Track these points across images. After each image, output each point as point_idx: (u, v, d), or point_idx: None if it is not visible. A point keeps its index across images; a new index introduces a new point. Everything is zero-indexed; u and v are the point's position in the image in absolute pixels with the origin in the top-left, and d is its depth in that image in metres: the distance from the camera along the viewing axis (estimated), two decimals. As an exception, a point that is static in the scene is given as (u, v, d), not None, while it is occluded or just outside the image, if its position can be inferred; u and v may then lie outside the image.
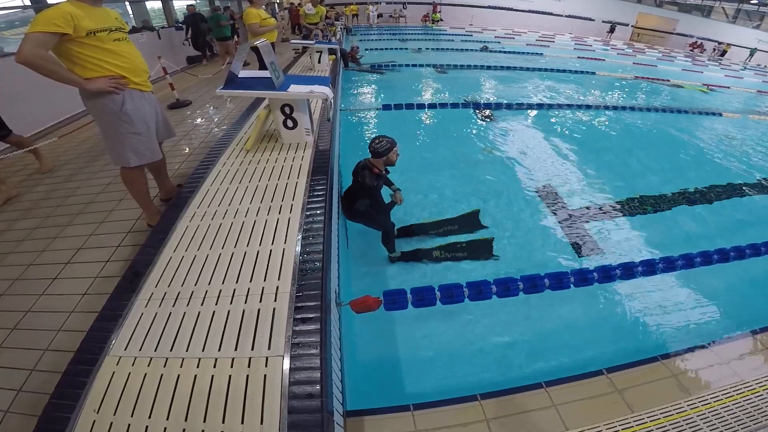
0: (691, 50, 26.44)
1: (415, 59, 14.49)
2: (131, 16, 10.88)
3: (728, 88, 13.90)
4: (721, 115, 9.73)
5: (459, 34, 23.39)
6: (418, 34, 22.64)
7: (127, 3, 10.90)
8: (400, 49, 16.95)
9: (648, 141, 7.78)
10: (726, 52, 25.23)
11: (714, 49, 25.80)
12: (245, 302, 2.07)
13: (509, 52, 17.48)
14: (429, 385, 2.85)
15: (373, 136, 3.47)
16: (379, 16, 28.64)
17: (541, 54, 17.72)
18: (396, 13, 29.15)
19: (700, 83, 13.90)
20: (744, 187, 5.88)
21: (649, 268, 3.47)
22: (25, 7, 7.66)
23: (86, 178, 4.15)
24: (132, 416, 1.59)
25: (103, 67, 2.56)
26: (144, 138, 2.85)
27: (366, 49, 15.04)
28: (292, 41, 9.86)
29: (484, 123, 8.14)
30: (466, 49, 17.72)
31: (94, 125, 5.30)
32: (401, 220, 4.50)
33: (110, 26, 2.58)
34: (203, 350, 1.83)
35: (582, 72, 13.67)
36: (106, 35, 2.54)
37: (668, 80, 13.80)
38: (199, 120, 5.86)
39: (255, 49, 3.62)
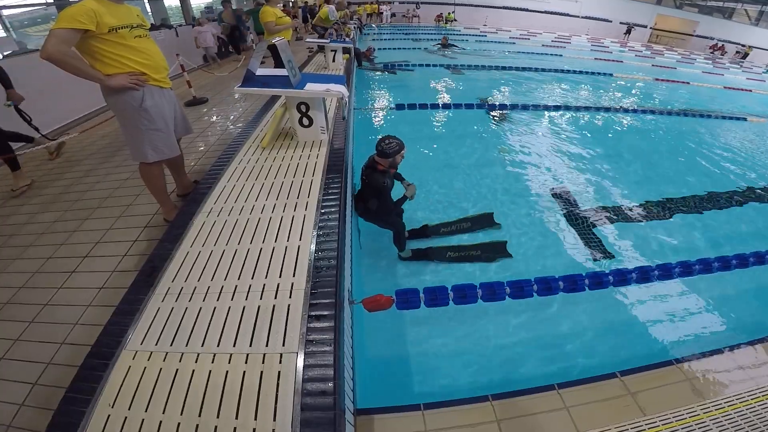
0: (711, 52, 25.94)
1: (428, 59, 14.45)
2: (150, 13, 11.01)
3: (750, 91, 13.59)
4: (745, 119, 9.51)
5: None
6: (432, 33, 22.52)
7: (145, 0, 11.03)
8: (414, 48, 16.89)
9: (667, 144, 7.65)
10: (748, 54, 24.70)
11: (736, 52, 25.28)
12: (260, 298, 2.09)
13: (524, 53, 17.36)
14: (440, 385, 2.84)
15: (386, 135, 3.46)
16: (393, 15, 28.65)
17: (557, 55, 17.53)
18: (409, 12, 29.13)
19: None
20: (766, 192, 5.76)
21: (666, 272, 3.42)
22: (48, 4, 7.81)
23: (105, 173, 4.22)
24: (146, 411, 1.61)
25: (124, 64, 2.60)
26: (163, 134, 2.89)
27: (379, 49, 15.03)
28: (308, 40, 9.91)
29: (498, 124, 8.09)
30: (482, 50, 17.61)
31: (114, 121, 5.38)
32: (413, 221, 4.49)
33: (132, 23, 2.61)
34: (218, 345, 1.85)
35: (599, 73, 13.47)
36: (128, 32, 2.57)
37: (688, 82, 13.55)
38: (215, 117, 5.91)
39: (272, 48, 3.64)
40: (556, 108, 9.25)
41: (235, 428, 1.52)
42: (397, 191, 3.67)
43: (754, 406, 2.42)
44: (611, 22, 28.52)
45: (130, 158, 3.00)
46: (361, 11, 26.32)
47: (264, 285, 2.18)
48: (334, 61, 8.43)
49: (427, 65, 13.26)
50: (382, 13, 27.91)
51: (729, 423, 2.32)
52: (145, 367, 1.78)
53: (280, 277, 2.23)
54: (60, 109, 5.93)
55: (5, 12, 7.73)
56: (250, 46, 12.04)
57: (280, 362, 1.75)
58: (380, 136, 3.43)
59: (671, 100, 11.38)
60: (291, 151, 3.86)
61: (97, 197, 3.73)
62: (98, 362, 1.83)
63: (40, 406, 1.92)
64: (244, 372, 1.72)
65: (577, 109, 9.35)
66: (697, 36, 27.43)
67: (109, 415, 1.60)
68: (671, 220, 4.90)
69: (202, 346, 1.85)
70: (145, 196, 3.48)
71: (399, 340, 3.19)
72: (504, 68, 13.50)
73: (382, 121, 8.16)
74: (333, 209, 2.84)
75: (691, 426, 2.29)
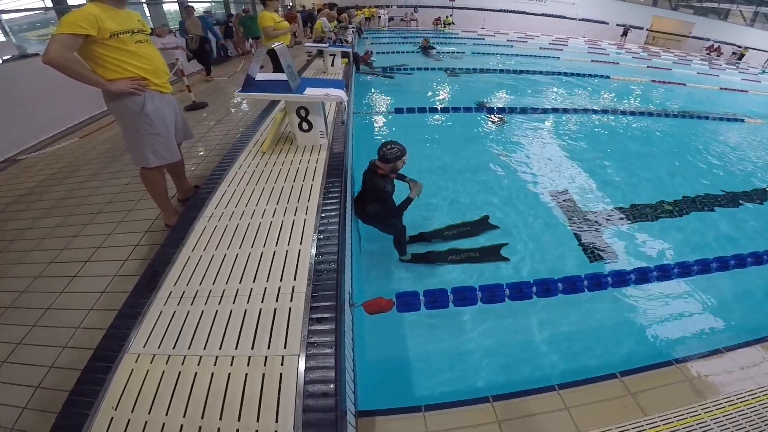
0: (707, 54, 26.05)
1: (426, 63, 14.49)
2: (149, 18, 11.04)
3: (746, 92, 13.65)
4: (743, 120, 9.55)
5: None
6: (430, 37, 22.52)
7: (144, 5, 11.07)
8: (412, 52, 16.91)
9: (665, 146, 7.68)
10: (744, 55, 24.81)
11: (732, 53, 25.38)
12: (262, 302, 2.10)
13: (522, 55, 17.42)
14: (441, 387, 2.85)
15: (385, 139, 3.49)
16: (391, 19, 28.70)
17: (555, 57, 17.61)
18: (407, 16, 29.21)
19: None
20: (763, 193, 5.79)
21: (665, 273, 3.44)
22: (47, 8, 7.85)
23: (107, 178, 4.23)
24: (149, 413, 1.62)
25: (125, 69, 2.62)
26: (163, 139, 2.90)
27: (377, 53, 15.07)
28: (306, 44, 9.94)
29: (496, 127, 8.12)
30: (480, 53, 17.65)
31: (115, 125, 5.42)
32: (413, 224, 4.50)
33: (132, 28, 2.63)
34: (220, 348, 1.86)
35: (596, 76, 13.53)
36: (129, 37, 2.59)
37: (684, 84, 13.60)
38: (215, 122, 5.93)
39: (271, 52, 3.67)
40: (554, 111, 9.28)
41: (237, 430, 1.53)
42: (399, 195, 3.69)
43: (755, 406, 2.44)
44: (608, 24, 28.66)
45: (131, 163, 3.02)
46: (359, 14, 26.35)
47: (265, 288, 2.19)
48: (333, 65, 8.45)
49: (426, 69, 13.31)
50: (380, 17, 27.96)
51: (730, 422, 2.33)
52: (147, 370, 1.79)
53: (281, 280, 2.25)
54: (61, 114, 5.95)
55: (4, 16, 7.75)
56: (250, 51, 12.12)
57: (282, 364, 1.76)
58: (383, 141, 3.45)
59: (668, 102, 11.44)
60: (291, 155, 3.87)
61: (98, 202, 3.75)
62: (101, 365, 1.83)
63: (42, 409, 1.94)
64: (246, 374, 1.73)
65: (575, 111, 9.40)
66: (693, 37, 27.58)
67: (112, 418, 1.61)
68: (670, 220, 4.93)
69: (205, 349, 1.86)
70: (146, 201, 3.49)
71: (399, 342, 3.20)
72: (502, 71, 13.57)
73: (381, 125, 8.19)
74: (333, 213, 2.85)
75: (692, 426, 2.31)
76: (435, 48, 17.25)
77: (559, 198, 5.31)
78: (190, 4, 10.69)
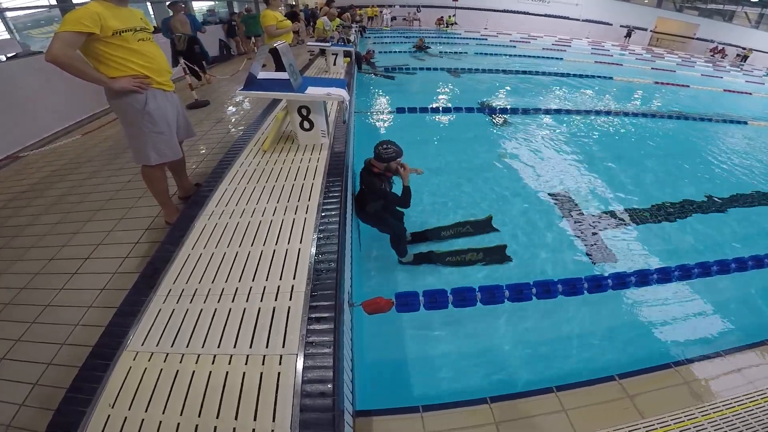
0: (712, 55, 25.97)
1: (429, 63, 14.48)
2: (152, 16, 11.05)
3: (750, 94, 13.61)
4: (746, 123, 9.51)
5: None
6: (433, 37, 22.50)
7: (148, 3, 11.07)
8: (414, 52, 16.87)
9: (667, 148, 7.64)
10: (748, 57, 24.73)
11: (737, 55, 25.30)
12: (261, 300, 2.10)
13: (525, 56, 17.38)
14: (438, 387, 2.85)
15: (387, 138, 3.49)
16: (393, 19, 28.66)
17: (558, 58, 17.56)
18: (410, 16, 29.18)
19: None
20: (764, 196, 5.78)
21: (665, 275, 3.43)
22: (51, 6, 7.87)
23: (108, 175, 4.24)
24: (146, 411, 1.62)
25: (128, 67, 2.62)
26: (165, 137, 2.91)
27: (380, 52, 15.05)
28: (309, 43, 9.94)
29: (498, 127, 8.11)
30: (482, 53, 17.63)
31: (116, 123, 5.42)
32: (415, 225, 4.50)
33: (135, 26, 2.63)
34: (219, 347, 1.86)
35: (599, 77, 13.49)
36: (131, 35, 2.60)
37: (688, 85, 13.56)
38: (217, 120, 5.93)
39: (273, 51, 3.67)
40: (557, 111, 9.26)
41: (234, 428, 1.53)
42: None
43: (753, 410, 2.43)
44: (611, 25, 28.58)
45: (133, 160, 3.02)
46: (361, 13, 26.30)
47: (264, 287, 2.19)
48: (335, 64, 8.45)
49: (428, 68, 13.30)
50: (383, 16, 27.92)
51: (727, 426, 2.32)
52: (145, 368, 1.79)
53: (280, 279, 2.24)
54: (62, 111, 5.96)
55: (9, 14, 7.77)
56: (253, 49, 12.12)
57: (280, 363, 1.76)
58: (381, 140, 3.45)
59: (671, 104, 11.39)
60: (292, 154, 3.87)
61: (99, 199, 3.75)
62: (99, 362, 1.84)
63: (40, 406, 1.94)
64: (244, 373, 1.73)
65: (578, 112, 9.39)
66: (698, 39, 27.45)
67: (109, 416, 1.61)
68: (671, 223, 4.91)
69: (203, 347, 1.86)
70: (147, 198, 3.50)
71: (398, 342, 3.20)
72: (505, 72, 13.53)
73: (383, 125, 8.19)
74: (333, 212, 2.85)
75: (689, 429, 2.30)
76: (429, 47, 17.21)
77: (560, 199, 5.30)
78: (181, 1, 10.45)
